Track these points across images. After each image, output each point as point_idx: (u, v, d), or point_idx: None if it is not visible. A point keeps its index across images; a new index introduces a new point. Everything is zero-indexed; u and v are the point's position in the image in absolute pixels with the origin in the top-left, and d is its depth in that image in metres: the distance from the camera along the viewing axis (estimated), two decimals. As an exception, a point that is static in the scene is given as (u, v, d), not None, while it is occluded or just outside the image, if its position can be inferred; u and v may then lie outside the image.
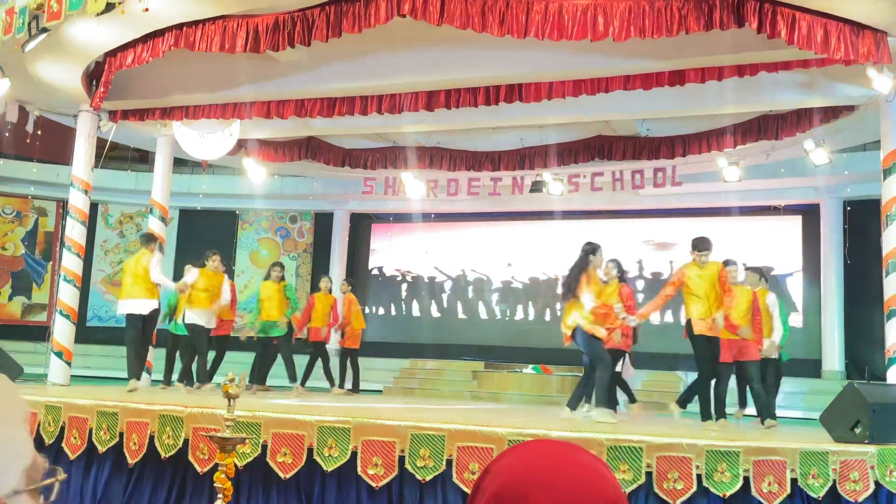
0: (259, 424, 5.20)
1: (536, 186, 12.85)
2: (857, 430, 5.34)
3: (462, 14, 6.60)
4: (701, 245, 6.86)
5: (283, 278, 9.87)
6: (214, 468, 4.47)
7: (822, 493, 4.88)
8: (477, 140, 12.16)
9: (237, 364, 9.83)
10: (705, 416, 6.74)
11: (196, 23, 7.53)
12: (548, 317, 15.33)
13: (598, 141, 11.68)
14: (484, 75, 8.32)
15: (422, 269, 16.54)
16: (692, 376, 11.79)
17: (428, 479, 4.95)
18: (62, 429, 5.79)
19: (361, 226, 17.01)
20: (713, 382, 6.94)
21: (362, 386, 10.57)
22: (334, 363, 10.49)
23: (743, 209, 13.70)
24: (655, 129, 11.24)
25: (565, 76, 8.15)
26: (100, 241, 16.94)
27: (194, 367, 9.25)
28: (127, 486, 5.52)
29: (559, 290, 8.44)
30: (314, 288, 14.80)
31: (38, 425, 5.88)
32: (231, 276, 9.87)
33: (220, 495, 4.04)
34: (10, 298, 16.65)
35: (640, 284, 15.10)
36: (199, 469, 5.24)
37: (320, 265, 16.33)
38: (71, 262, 9.56)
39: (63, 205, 12.94)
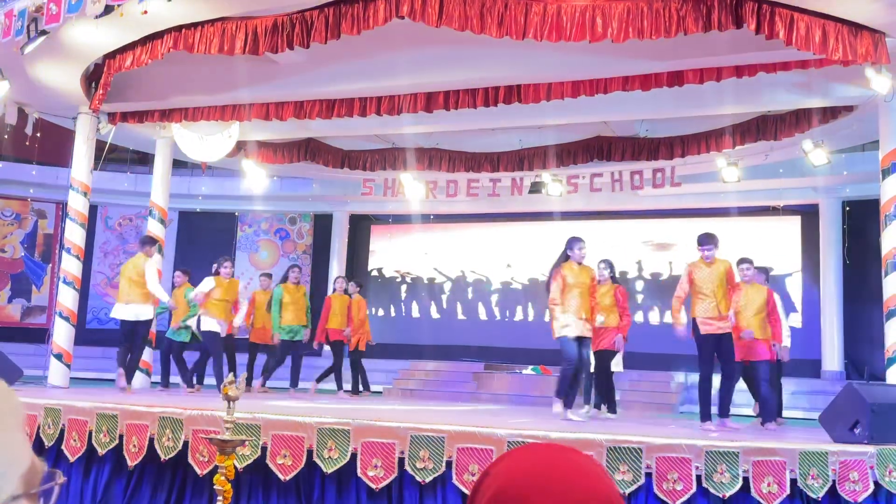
0: (259, 426, 5.20)
1: (535, 187, 12.86)
2: (857, 431, 5.34)
3: (460, 15, 6.60)
4: (702, 241, 6.87)
5: (299, 281, 9.94)
6: (214, 470, 4.47)
7: (821, 494, 4.88)
8: (476, 141, 12.17)
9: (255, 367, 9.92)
10: (704, 416, 6.73)
11: (195, 25, 7.54)
12: (547, 317, 15.26)
13: (596, 142, 11.68)
14: (483, 76, 8.33)
15: (421, 271, 16.54)
16: (692, 377, 11.80)
17: (428, 480, 4.95)
18: (62, 431, 5.79)
19: (361, 227, 17.01)
20: (725, 381, 6.90)
21: (361, 388, 10.56)
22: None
23: (742, 210, 13.71)
24: (654, 130, 11.25)
25: (564, 77, 8.16)
26: (99, 243, 16.93)
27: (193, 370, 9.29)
28: (127, 489, 5.52)
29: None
30: (314, 289, 14.85)
31: (38, 428, 5.88)
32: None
33: (219, 497, 4.04)
34: (10, 301, 16.64)
35: (639, 285, 15.11)
36: (198, 471, 5.24)
37: (320, 267, 16.33)
38: (70, 265, 9.56)
39: (62, 207, 12.95)
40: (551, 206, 13.69)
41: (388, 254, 16.90)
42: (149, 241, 9.15)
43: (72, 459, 5.66)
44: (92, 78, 9.03)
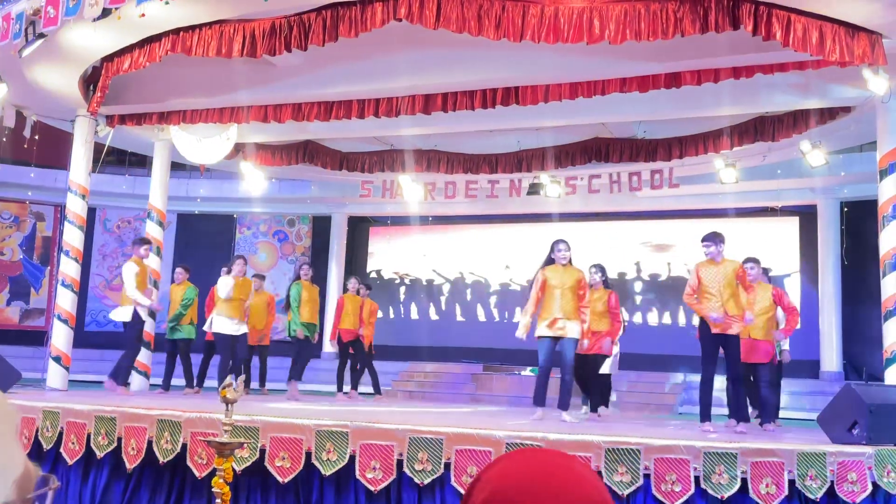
0: (257, 429, 5.20)
1: (534, 189, 12.86)
2: (855, 431, 5.34)
3: (458, 18, 6.61)
4: (704, 238, 6.89)
5: (312, 279, 9.98)
6: (213, 473, 4.46)
7: (819, 495, 4.88)
8: (474, 143, 12.17)
9: (281, 369, 9.94)
10: (704, 416, 6.73)
11: (193, 27, 7.54)
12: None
13: (595, 143, 11.69)
14: (481, 78, 8.34)
15: (420, 272, 16.55)
16: (690, 377, 11.81)
17: (426, 482, 4.95)
18: (60, 434, 5.78)
19: (359, 229, 17.01)
20: (731, 384, 6.88)
21: (360, 389, 10.56)
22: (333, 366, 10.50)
23: (740, 210, 13.73)
24: (652, 131, 11.26)
25: (562, 79, 8.17)
26: (98, 245, 16.93)
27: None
28: (125, 492, 5.52)
29: None
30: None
31: (36, 431, 5.88)
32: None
33: (218, 500, 4.04)
34: (9, 303, 16.63)
35: (637, 286, 15.11)
36: (197, 474, 5.24)
37: (318, 269, 16.29)
38: (69, 267, 9.55)
39: (61, 209, 12.94)
40: (549, 208, 13.70)
41: (387, 255, 16.91)
42: (139, 242, 9.16)
43: (70, 462, 5.66)
44: (90, 81, 9.04)
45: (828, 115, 9.53)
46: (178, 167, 12.84)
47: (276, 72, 8.85)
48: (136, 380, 10.02)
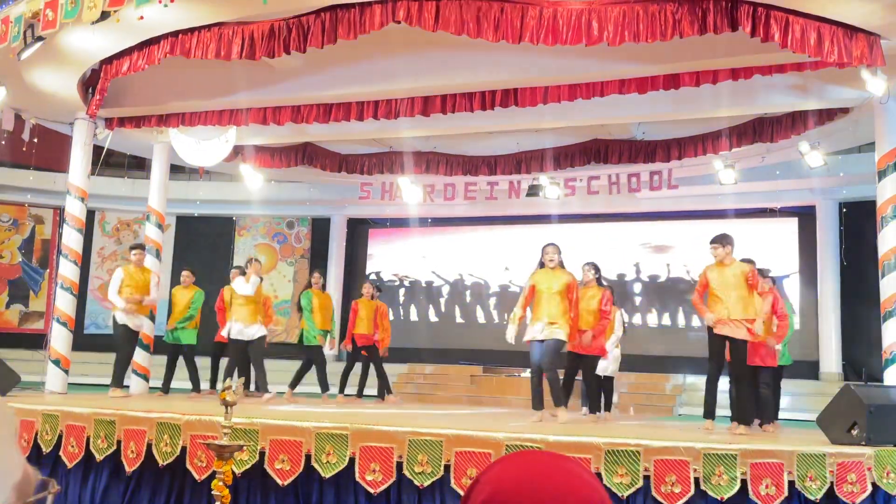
0: (256, 431, 5.20)
1: (533, 190, 12.87)
2: (854, 432, 5.34)
3: (457, 20, 6.61)
4: (712, 240, 6.90)
5: (324, 286, 10.02)
6: (212, 475, 4.47)
7: (819, 496, 4.88)
8: (473, 144, 12.18)
9: (284, 371, 9.93)
10: (708, 413, 6.72)
11: (191, 30, 7.54)
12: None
13: (594, 144, 11.70)
14: (480, 80, 8.34)
15: (419, 274, 16.54)
16: (690, 379, 11.80)
17: (426, 484, 4.95)
18: (60, 437, 5.78)
19: (358, 231, 17.01)
20: (734, 385, 6.87)
21: (365, 392, 10.55)
22: (334, 369, 10.47)
23: (739, 211, 13.72)
24: (651, 133, 11.27)
25: (561, 80, 8.17)
26: (97, 248, 16.92)
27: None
28: (125, 495, 5.51)
29: None
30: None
31: (36, 434, 5.88)
32: (228, 282, 9.85)
33: (217, 502, 4.04)
34: (8, 306, 16.62)
35: (637, 287, 15.11)
36: (196, 476, 5.23)
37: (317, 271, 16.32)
38: (68, 270, 9.55)
39: (60, 212, 12.92)
40: (549, 209, 13.71)
41: (386, 257, 16.91)
42: (134, 247, 9.32)
43: (70, 465, 5.65)
44: (89, 83, 9.03)
45: (826, 116, 9.53)
46: (178, 169, 12.84)
47: (274, 74, 8.85)
48: (135, 382, 10.02)
